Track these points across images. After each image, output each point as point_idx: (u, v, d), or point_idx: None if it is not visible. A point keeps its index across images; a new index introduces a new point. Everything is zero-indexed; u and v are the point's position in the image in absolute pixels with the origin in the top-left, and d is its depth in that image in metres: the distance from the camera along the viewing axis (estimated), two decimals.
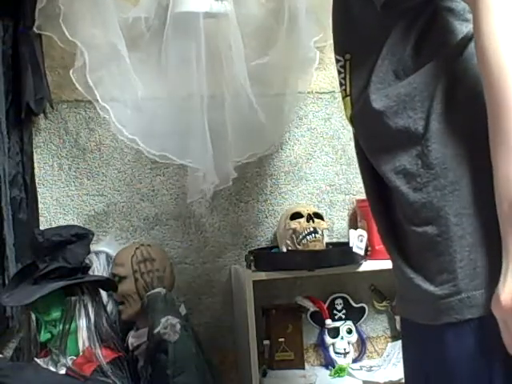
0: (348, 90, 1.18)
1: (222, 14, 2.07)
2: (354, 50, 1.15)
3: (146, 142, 2.04)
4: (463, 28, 1.02)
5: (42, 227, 2.20)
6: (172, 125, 2.10)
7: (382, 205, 1.17)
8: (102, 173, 2.33)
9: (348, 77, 1.17)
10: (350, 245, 2.17)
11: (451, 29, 1.03)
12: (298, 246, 2.22)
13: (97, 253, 2.08)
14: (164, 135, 2.08)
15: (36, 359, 1.81)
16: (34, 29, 2.03)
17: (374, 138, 1.12)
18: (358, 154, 1.24)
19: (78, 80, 2.01)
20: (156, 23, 2.09)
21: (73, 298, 1.82)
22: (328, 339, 2.40)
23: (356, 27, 1.13)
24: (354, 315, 2.45)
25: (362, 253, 2.18)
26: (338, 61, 1.21)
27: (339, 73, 1.21)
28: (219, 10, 2.04)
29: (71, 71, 2.03)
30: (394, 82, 1.06)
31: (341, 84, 1.21)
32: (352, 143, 2.70)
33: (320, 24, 2.28)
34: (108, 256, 2.09)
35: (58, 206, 2.31)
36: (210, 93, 2.10)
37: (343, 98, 1.21)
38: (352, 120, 1.19)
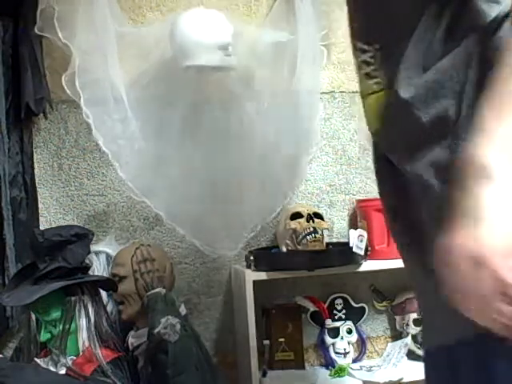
0: (384, 82, 1.07)
1: (229, 68, 2.13)
2: (384, 38, 1.08)
3: (119, 161, 2.02)
4: (491, 10, 0.96)
5: (42, 227, 2.19)
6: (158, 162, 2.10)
7: (403, 207, 1.09)
8: (102, 173, 2.33)
9: (380, 67, 1.08)
10: (350, 245, 2.17)
11: (480, 11, 0.96)
12: (297, 246, 2.22)
13: (97, 253, 2.08)
14: (145, 167, 2.07)
15: (36, 359, 1.81)
16: (36, 30, 2.03)
17: (400, 132, 1.04)
18: (374, 152, 1.15)
19: (67, 83, 2.02)
20: (163, 75, 2.13)
21: (73, 298, 1.82)
22: (328, 339, 2.40)
23: (385, 14, 1.07)
24: (354, 315, 2.45)
25: (361, 253, 2.18)
26: (363, 51, 1.12)
27: (367, 64, 1.11)
28: (229, 63, 2.11)
29: (64, 75, 2.03)
30: (422, 69, 0.99)
31: (370, 77, 1.11)
32: (352, 143, 2.73)
33: (324, 21, 2.33)
34: (108, 256, 2.09)
35: (57, 205, 2.31)
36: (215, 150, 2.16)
37: (376, 92, 1.09)
38: (382, 115, 1.08)
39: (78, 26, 2.00)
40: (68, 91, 2.02)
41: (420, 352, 2.37)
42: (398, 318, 2.47)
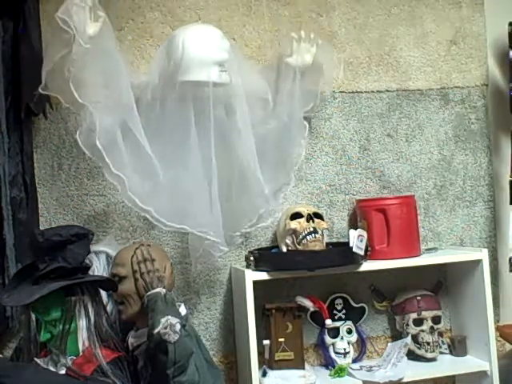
0: None
1: (224, 84, 2.16)
2: None
3: (160, 212, 2.06)
4: None
5: (42, 227, 2.20)
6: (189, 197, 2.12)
7: None
8: (102, 173, 2.32)
9: None
10: (350, 245, 2.17)
11: None
12: (298, 246, 2.22)
13: (97, 253, 2.08)
14: (182, 207, 2.09)
15: (36, 359, 1.81)
16: (40, 90, 2.00)
17: None
18: None
19: (84, 143, 2.02)
20: (164, 90, 2.14)
21: (73, 298, 1.82)
22: (328, 339, 2.40)
23: None
24: (354, 315, 2.45)
25: (361, 253, 2.18)
26: None
27: None
28: (225, 79, 2.14)
29: (77, 133, 2.03)
30: None
31: None
32: (352, 143, 2.74)
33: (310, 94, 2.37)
34: (108, 256, 2.09)
35: (57, 205, 2.31)
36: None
37: None
38: None
39: (92, 84, 2.01)
40: (87, 151, 2.03)
41: (420, 352, 2.38)
42: (397, 317, 2.47)
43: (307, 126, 2.36)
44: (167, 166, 2.12)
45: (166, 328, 1.72)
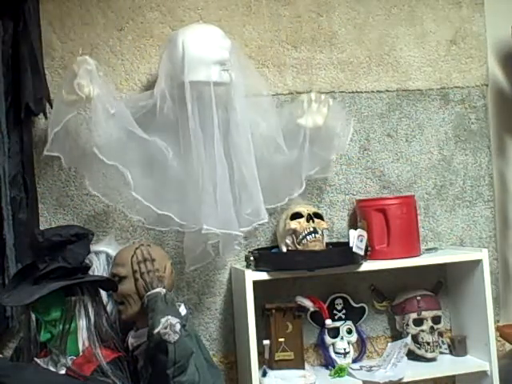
0: None
1: (227, 83, 2.17)
2: None
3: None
4: None
5: (42, 227, 2.20)
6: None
7: None
8: (102, 173, 2.32)
9: None
10: (350, 245, 2.17)
11: None
12: (298, 246, 2.22)
13: (97, 253, 2.07)
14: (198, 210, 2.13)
15: (36, 359, 1.81)
16: (45, 152, 2.09)
17: None
18: None
19: (94, 187, 2.16)
20: (170, 92, 2.17)
21: (73, 298, 1.82)
22: (328, 339, 2.40)
23: None
24: (354, 315, 2.45)
25: (361, 253, 2.18)
26: None
27: None
28: (226, 79, 2.16)
29: (87, 182, 2.15)
30: None
31: None
32: (352, 143, 2.73)
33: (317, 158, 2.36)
34: (108, 256, 2.09)
35: (57, 205, 2.31)
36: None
37: None
38: None
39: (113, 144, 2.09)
40: (101, 196, 2.19)
41: (420, 352, 2.38)
42: (397, 317, 2.47)
43: (304, 186, 2.34)
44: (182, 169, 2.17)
45: (166, 328, 1.72)
